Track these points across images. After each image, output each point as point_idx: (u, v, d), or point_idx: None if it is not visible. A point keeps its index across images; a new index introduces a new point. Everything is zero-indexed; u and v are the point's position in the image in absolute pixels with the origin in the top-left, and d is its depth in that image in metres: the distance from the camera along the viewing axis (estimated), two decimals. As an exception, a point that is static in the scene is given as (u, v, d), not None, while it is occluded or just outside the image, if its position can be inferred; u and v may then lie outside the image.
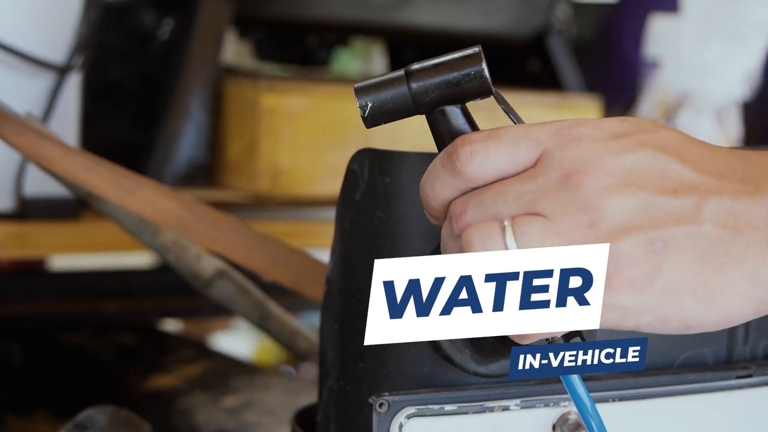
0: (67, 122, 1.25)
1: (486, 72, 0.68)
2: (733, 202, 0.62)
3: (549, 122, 0.65)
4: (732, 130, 1.65)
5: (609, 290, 0.62)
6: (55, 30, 1.24)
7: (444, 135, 0.69)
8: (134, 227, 0.99)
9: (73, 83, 1.25)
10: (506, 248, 0.63)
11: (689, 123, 1.62)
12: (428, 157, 0.77)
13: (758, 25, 1.60)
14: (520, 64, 1.66)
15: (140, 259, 1.53)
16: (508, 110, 0.69)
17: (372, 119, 0.69)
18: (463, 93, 0.68)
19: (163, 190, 0.95)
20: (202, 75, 1.38)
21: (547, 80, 1.61)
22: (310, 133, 1.39)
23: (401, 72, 0.69)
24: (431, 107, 0.69)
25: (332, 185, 1.40)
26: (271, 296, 1.04)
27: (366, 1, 1.52)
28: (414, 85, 0.68)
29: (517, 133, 0.65)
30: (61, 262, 1.46)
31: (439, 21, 1.57)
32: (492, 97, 0.69)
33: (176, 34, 1.40)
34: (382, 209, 0.77)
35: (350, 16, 1.52)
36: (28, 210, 1.24)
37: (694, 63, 1.64)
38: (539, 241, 0.63)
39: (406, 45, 1.72)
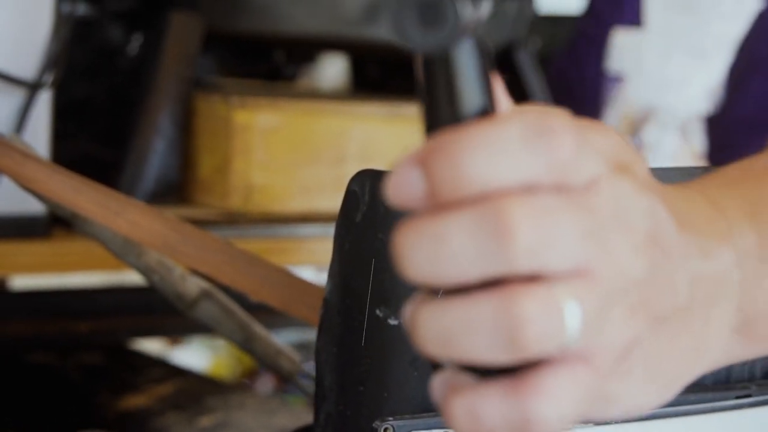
0: (38, 140, 1.23)
1: None
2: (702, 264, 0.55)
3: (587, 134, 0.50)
4: (696, 144, 1.66)
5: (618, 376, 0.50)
6: (25, 46, 1.22)
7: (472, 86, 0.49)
8: (119, 248, 0.97)
9: (44, 100, 1.24)
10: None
11: (654, 138, 1.63)
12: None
13: (720, 39, 1.62)
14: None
15: (110, 278, 1.51)
16: None
17: None
18: None
19: (148, 211, 0.94)
20: (173, 91, 1.36)
21: (514, 94, 1.61)
22: (282, 149, 1.38)
23: None
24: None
25: (305, 202, 1.39)
26: (254, 316, 1.04)
27: (333, 16, 1.51)
28: None
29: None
30: (28, 281, 1.44)
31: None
32: None
33: (146, 49, 1.38)
34: (383, 232, 0.77)
35: (317, 31, 1.51)
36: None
37: (657, 78, 1.64)
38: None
39: (370, 61, 1.72)
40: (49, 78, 1.23)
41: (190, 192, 1.39)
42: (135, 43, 1.39)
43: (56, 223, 1.23)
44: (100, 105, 1.41)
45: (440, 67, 0.48)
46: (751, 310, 0.58)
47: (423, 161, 0.46)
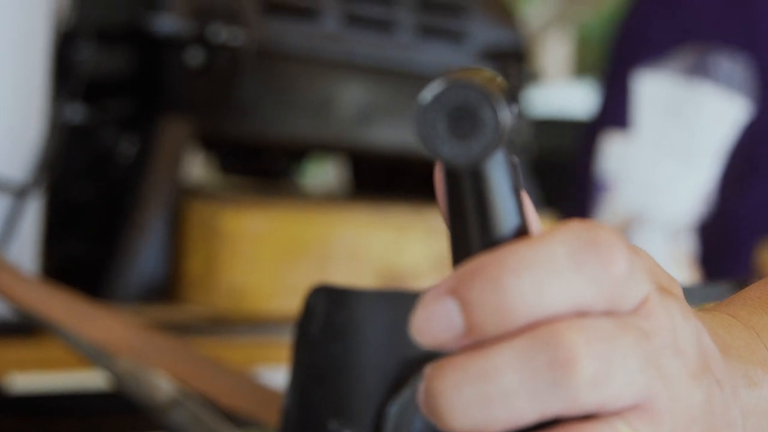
0: (26, 245, 1.25)
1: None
2: (752, 394, 0.50)
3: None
4: (686, 250, 1.67)
5: None
6: (16, 151, 1.24)
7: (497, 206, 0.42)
8: (91, 354, 0.99)
9: (34, 206, 1.26)
10: None
11: (643, 243, 1.64)
12: (387, 297, 0.78)
13: (704, 144, 1.63)
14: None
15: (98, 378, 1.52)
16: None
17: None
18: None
19: (120, 318, 0.96)
20: (162, 194, 1.38)
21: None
22: (269, 253, 1.40)
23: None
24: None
25: (293, 303, 1.40)
26: (229, 421, 1.04)
27: (326, 119, 1.54)
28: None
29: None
30: (19, 382, 1.45)
31: (399, 140, 1.59)
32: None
33: (137, 152, 1.41)
34: (339, 346, 0.78)
35: (311, 134, 1.54)
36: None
37: (646, 182, 1.66)
38: None
39: (366, 163, 1.74)
40: (40, 184, 1.25)
41: (178, 293, 1.40)
42: (126, 147, 1.41)
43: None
44: (92, 207, 1.43)
45: (471, 181, 0.41)
46: None
47: (458, 290, 0.40)
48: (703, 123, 1.63)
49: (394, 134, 1.58)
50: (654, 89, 1.67)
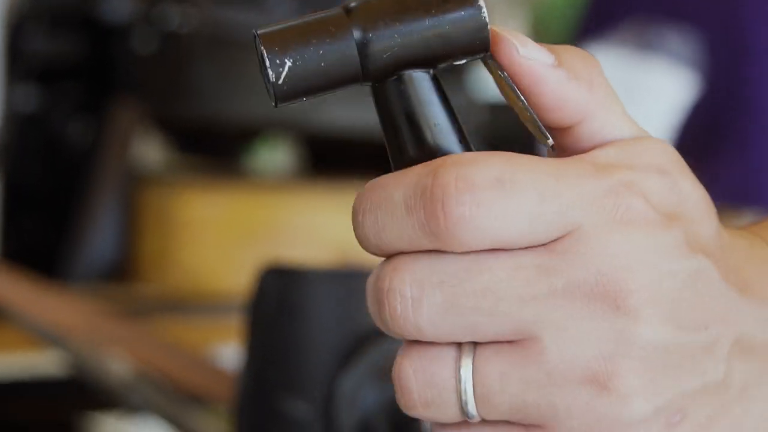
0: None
1: (485, 14, 0.43)
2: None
3: (584, 169, 0.43)
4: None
5: None
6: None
7: (412, 118, 0.44)
8: (48, 337, 1.00)
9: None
10: (460, 406, 0.43)
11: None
12: (336, 275, 0.80)
13: (657, 118, 1.65)
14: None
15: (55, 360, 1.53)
16: (517, 92, 0.44)
17: (289, 90, 0.42)
18: (449, 49, 0.43)
19: (74, 300, 0.97)
20: (115, 176, 1.40)
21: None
22: (222, 234, 1.41)
23: (338, 11, 0.42)
24: (389, 72, 0.43)
25: (245, 283, 1.42)
26: (184, 400, 1.06)
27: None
28: (369, 34, 0.42)
29: (544, 190, 0.42)
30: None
31: (350, 121, 1.60)
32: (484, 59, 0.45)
33: (89, 136, 1.42)
34: (292, 324, 0.80)
35: (262, 116, 1.55)
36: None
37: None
38: (507, 397, 0.43)
39: (318, 143, 1.75)
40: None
41: (133, 273, 1.42)
42: (80, 130, 1.42)
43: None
44: (47, 190, 1.44)
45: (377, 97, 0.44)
46: None
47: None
48: (649, 96, 1.64)
49: (345, 115, 1.59)
50: (601, 63, 1.69)
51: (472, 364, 0.43)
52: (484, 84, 1.88)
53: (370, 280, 0.43)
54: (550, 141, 0.45)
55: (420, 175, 0.42)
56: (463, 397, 0.43)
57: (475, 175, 0.41)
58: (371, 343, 0.79)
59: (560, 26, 2.30)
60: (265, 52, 0.42)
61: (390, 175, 0.44)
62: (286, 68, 0.42)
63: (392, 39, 0.43)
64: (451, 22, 0.43)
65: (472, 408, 0.43)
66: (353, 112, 1.60)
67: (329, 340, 0.79)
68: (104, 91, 1.43)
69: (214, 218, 1.40)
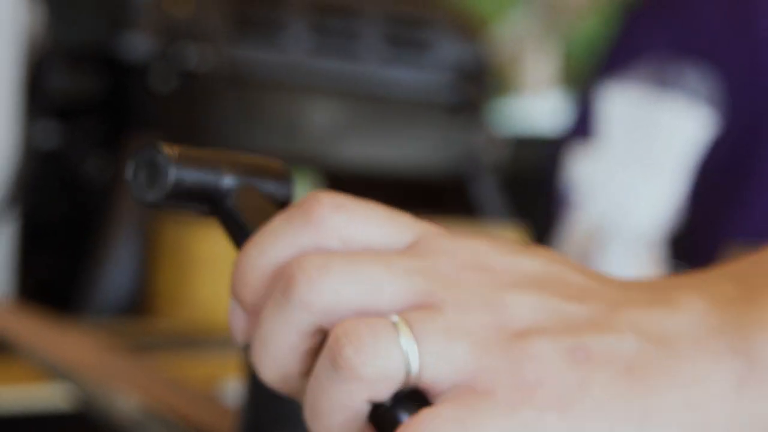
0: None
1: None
2: (647, 312, 0.49)
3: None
4: (656, 263, 1.69)
5: (532, 407, 0.46)
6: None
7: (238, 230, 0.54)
8: (55, 370, 1.01)
9: (7, 227, 1.28)
10: (405, 359, 0.47)
11: (611, 256, 1.66)
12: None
13: (673, 156, 1.65)
14: (451, 197, 1.70)
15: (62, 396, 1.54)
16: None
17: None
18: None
19: (83, 335, 0.98)
20: (132, 212, 1.41)
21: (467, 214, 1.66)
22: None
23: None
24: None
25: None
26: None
27: (296, 139, 1.56)
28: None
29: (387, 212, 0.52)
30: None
31: (368, 158, 1.61)
32: None
33: (107, 173, 1.43)
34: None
35: (280, 153, 1.56)
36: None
37: (611, 196, 1.67)
38: (445, 345, 0.47)
39: (339, 178, 1.76)
40: (12, 206, 1.27)
41: (149, 308, 1.43)
42: (98, 167, 1.44)
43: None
44: (65, 227, 1.45)
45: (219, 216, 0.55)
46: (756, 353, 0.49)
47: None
48: (666, 134, 1.64)
49: (363, 152, 1.60)
50: (619, 100, 1.69)
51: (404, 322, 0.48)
52: (505, 119, 1.88)
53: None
54: None
55: None
56: (404, 339, 0.48)
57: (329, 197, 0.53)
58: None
59: (592, 60, 2.30)
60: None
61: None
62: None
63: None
64: None
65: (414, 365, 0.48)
66: (374, 149, 1.61)
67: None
68: (122, 128, 1.44)
69: (231, 254, 1.40)
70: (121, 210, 1.41)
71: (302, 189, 1.96)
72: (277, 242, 0.50)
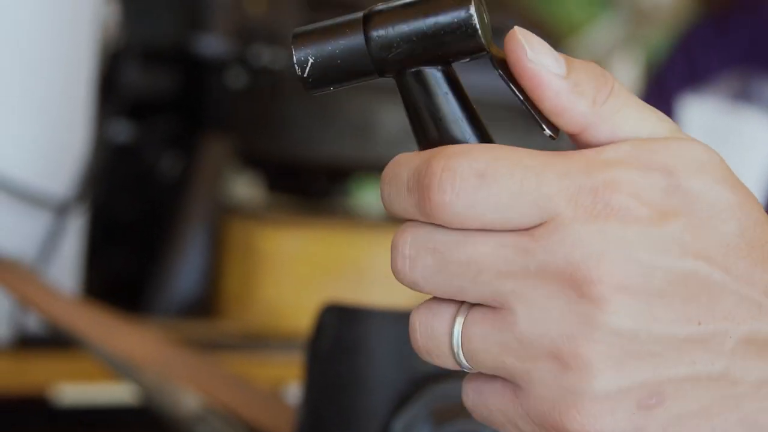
0: (68, 260, 1.28)
1: (475, 19, 0.47)
2: None
3: (575, 165, 0.47)
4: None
5: None
6: (61, 168, 1.27)
7: (420, 110, 0.49)
8: (120, 368, 1.01)
9: (77, 222, 1.29)
10: (454, 357, 0.49)
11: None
12: (395, 316, 0.80)
13: (753, 171, 1.63)
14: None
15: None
16: (514, 89, 0.48)
17: (315, 81, 0.50)
18: (444, 49, 0.48)
19: (148, 333, 0.98)
20: (202, 212, 1.41)
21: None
22: (306, 271, 1.42)
23: (359, 15, 0.49)
24: (399, 68, 0.49)
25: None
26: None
27: (368, 141, 1.56)
28: (375, 34, 0.49)
29: (523, 180, 0.47)
30: (64, 393, 1.48)
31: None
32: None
33: (179, 171, 1.44)
34: (348, 362, 0.80)
35: (352, 155, 1.56)
36: (29, 339, 1.26)
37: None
38: (489, 355, 0.48)
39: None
40: (82, 200, 1.28)
41: (216, 309, 1.43)
42: (170, 164, 1.44)
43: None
44: (135, 224, 1.46)
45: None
46: None
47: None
48: (746, 148, 1.63)
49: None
50: (699, 116, 1.67)
51: (463, 322, 0.49)
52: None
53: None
54: (547, 132, 0.49)
55: (420, 160, 0.48)
56: (456, 351, 0.49)
57: (459, 166, 0.47)
58: (427, 386, 0.79)
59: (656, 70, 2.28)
60: (293, 50, 0.50)
61: (406, 154, 0.50)
62: (309, 64, 0.50)
63: (394, 40, 0.49)
64: (444, 27, 0.48)
65: (463, 361, 0.49)
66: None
67: (385, 380, 0.79)
68: (196, 125, 1.45)
69: (300, 255, 1.41)
70: (191, 208, 1.41)
71: (372, 193, 1.96)
72: (398, 199, 0.50)
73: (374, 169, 1.72)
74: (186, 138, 1.45)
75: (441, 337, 0.49)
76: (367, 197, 1.87)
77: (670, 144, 0.48)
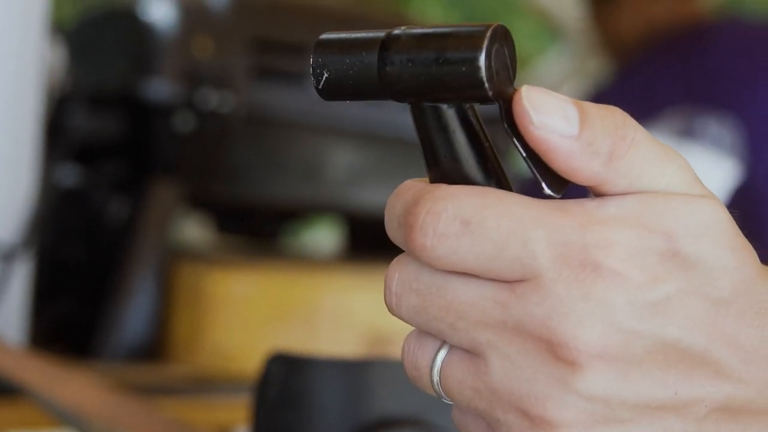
0: (15, 306, 1.27)
1: (482, 71, 0.45)
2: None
3: (569, 220, 0.46)
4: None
5: None
6: (6, 215, 1.26)
7: (427, 141, 0.48)
8: (64, 416, 1.00)
9: (24, 267, 1.28)
10: (434, 389, 0.50)
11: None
12: (342, 365, 0.80)
13: (705, 176, 1.65)
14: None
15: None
16: (520, 149, 0.47)
17: (328, 93, 0.49)
18: (452, 93, 0.46)
19: (93, 381, 0.98)
20: (151, 255, 1.41)
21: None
22: (255, 314, 1.42)
23: (380, 35, 0.48)
24: (406, 97, 0.48)
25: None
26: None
27: (315, 182, 1.56)
28: (387, 62, 0.47)
29: (509, 234, 0.46)
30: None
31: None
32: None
33: (127, 214, 1.43)
34: (294, 411, 0.80)
35: (300, 196, 1.56)
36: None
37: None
38: (463, 397, 0.48)
39: (360, 224, 1.76)
40: (29, 246, 1.27)
41: (165, 353, 1.42)
42: (118, 208, 1.44)
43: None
44: (83, 268, 1.45)
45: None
46: None
47: None
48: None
49: (383, 196, 1.60)
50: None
51: (442, 362, 0.49)
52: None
53: None
54: (547, 191, 0.47)
55: (411, 197, 0.48)
56: (435, 384, 0.50)
57: (444, 211, 0.47)
58: (373, 434, 0.79)
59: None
60: (311, 60, 0.49)
61: (407, 184, 0.50)
62: (324, 77, 0.49)
63: (404, 74, 0.47)
64: (451, 71, 0.46)
65: (442, 394, 0.50)
66: (390, 194, 1.60)
67: (332, 430, 0.79)
68: (143, 169, 1.45)
69: (249, 298, 1.40)
70: (139, 252, 1.41)
71: (322, 233, 1.96)
72: (391, 229, 0.49)
73: (323, 210, 1.72)
74: (134, 182, 1.45)
75: (423, 369, 0.50)
76: (316, 238, 1.87)
77: (677, 205, 0.47)
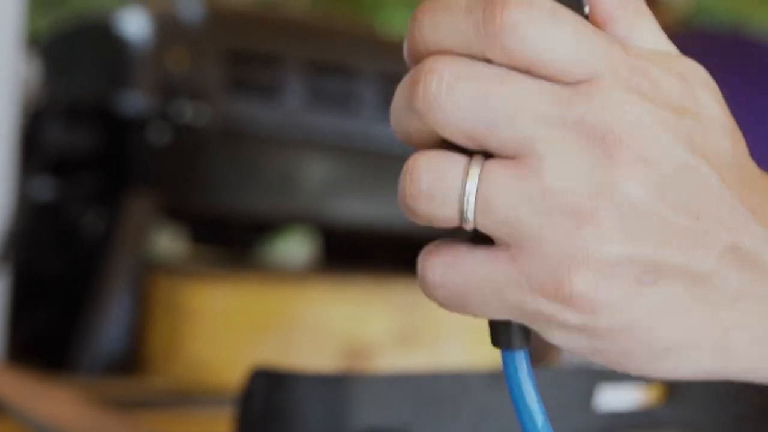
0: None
1: None
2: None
3: (615, 42, 0.48)
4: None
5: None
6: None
7: None
8: (41, 429, 1.00)
9: (0, 283, 1.28)
10: (459, 206, 0.47)
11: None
12: (323, 379, 0.80)
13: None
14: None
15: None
16: None
17: None
18: None
19: (70, 395, 0.98)
20: (127, 268, 1.41)
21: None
22: (232, 327, 1.42)
23: None
24: None
25: (253, 377, 1.42)
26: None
27: (290, 194, 1.56)
28: None
29: (582, 34, 0.47)
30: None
31: (363, 214, 1.61)
32: None
33: (103, 227, 1.43)
34: (277, 427, 0.80)
35: (275, 208, 1.56)
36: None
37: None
38: (504, 206, 0.46)
39: (335, 235, 1.76)
40: (5, 260, 1.27)
41: (141, 366, 1.42)
42: (94, 221, 1.44)
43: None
44: (60, 280, 1.45)
45: None
46: None
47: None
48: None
49: (357, 208, 1.60)
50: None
51: (480, 171, 0.46)
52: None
53: (407, 78, 0.47)
54: (586, 9, 0.49)
55: None
56: (466, 199, 0.46)
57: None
58: (357, 449, 0.79)
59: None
60: None
61: None
62: None
63: None
64: None
65: (470, 213, 0.46)
66: (369, 205, 1.61)
67: (315, 443, 0.79)
68: (119, 182, 1.45)
69: (225, 309, 1.40)
70: (115, 265, 1.40)
71: (296, 244, 1.96)
72: (447, 22, 0.47)
73: (298, 221, 1.72)
74: (109, 194, 1.44)
75: (452, 180, 0.46)
76: (291, 249, 1.87)
77: (682, 58, 0.50)
